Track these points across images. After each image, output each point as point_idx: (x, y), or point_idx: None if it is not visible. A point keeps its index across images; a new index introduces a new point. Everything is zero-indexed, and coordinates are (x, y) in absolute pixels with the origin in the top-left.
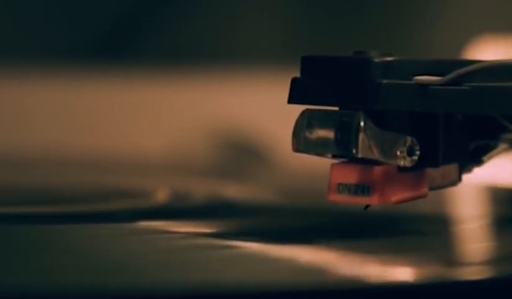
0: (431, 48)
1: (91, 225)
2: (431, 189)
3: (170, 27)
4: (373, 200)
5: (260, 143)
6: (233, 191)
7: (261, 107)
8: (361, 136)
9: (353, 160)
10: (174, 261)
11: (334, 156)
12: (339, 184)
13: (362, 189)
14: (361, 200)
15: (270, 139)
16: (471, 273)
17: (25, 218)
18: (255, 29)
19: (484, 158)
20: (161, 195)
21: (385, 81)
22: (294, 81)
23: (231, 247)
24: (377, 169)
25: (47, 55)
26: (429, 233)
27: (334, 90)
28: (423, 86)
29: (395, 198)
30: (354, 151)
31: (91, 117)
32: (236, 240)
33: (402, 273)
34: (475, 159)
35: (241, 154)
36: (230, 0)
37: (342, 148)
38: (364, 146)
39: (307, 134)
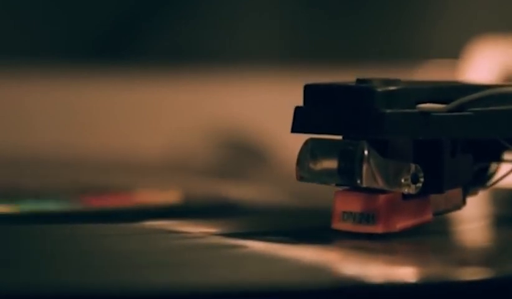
0: (431, 48)
1: (91, 225)
2: (436, 214)
3: (170, 27)
4: (377, 229)
5: (260, 143)
6: (234, 191)
7: (261, 107)
8: (365, 166)
9: (357, 188)
10: (174, 261)
11: (338, 185)
12: (344, 212)
13: (366, 217)
14: (365, 229)
15: (270, 139)
16: (472, 274)
17: (26, 218)
18: (255, 29)
19: (488, 184)
20: (161, 196)
21: (388, 110)
22: (297, 111)
23: (234, 247)
24: (382, 198)
25: (47, 55)
26: (429, 233)
27: (337, 119)
28: (427, 114)
29: (399, 225)
30: (358, 181)
31: (91, 117)
32: (236, 240)
33: (403, 274)
34: (479, 181)
35: (241, 154)
36: (230, 0)
37: (346, 178)
38: (368, 175)
39: (311, 164)
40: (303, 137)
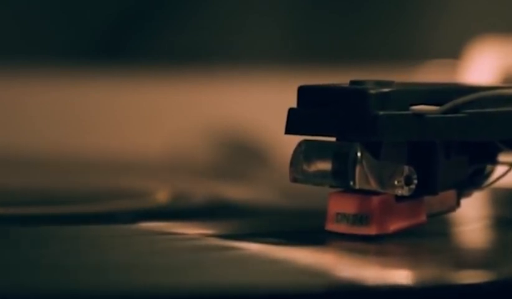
0: (431, 48)
1: (91, 225)
2: (430, 216)
3: (170, 27)
4: (371, 231)
5: (259, 144)
6: (234, 192)
7: (260, 107)
8: (358, 168)
9: (351, 190)
10: (174, 262)
11: (331, 186)
12: (338, 214)
13: (360, 218)
14: (359, 230)
15: (270, 139)
16: (468, 276)
17: (26, 218)
18: (255, 29)
19: (484, 185)
20: (162, 196)
21: (382, 112)
22: (291, 112)
23: (231, 248)
24: (375, 199)
25: (47, 55)
26: (424, 235)
27: (330, 121)
28: (420, 116)
29: (393, 227)
30: (351, 183)
31: (91, 117)
32: (236, 241)
33: (397, 276)
34: (473, 183)
35: (241, 154)
36: (229, 1)
37: (340, 180)
38: (361, 177)
39: (304, 165)
40: (302, 139)
